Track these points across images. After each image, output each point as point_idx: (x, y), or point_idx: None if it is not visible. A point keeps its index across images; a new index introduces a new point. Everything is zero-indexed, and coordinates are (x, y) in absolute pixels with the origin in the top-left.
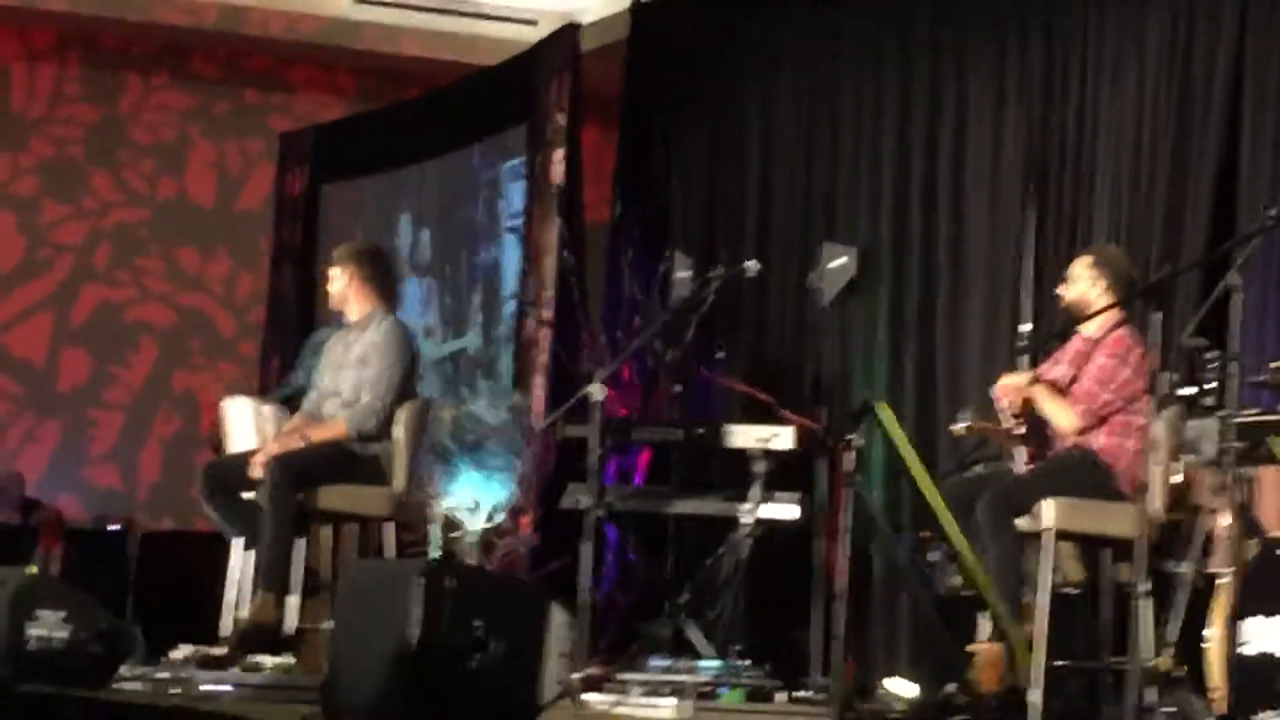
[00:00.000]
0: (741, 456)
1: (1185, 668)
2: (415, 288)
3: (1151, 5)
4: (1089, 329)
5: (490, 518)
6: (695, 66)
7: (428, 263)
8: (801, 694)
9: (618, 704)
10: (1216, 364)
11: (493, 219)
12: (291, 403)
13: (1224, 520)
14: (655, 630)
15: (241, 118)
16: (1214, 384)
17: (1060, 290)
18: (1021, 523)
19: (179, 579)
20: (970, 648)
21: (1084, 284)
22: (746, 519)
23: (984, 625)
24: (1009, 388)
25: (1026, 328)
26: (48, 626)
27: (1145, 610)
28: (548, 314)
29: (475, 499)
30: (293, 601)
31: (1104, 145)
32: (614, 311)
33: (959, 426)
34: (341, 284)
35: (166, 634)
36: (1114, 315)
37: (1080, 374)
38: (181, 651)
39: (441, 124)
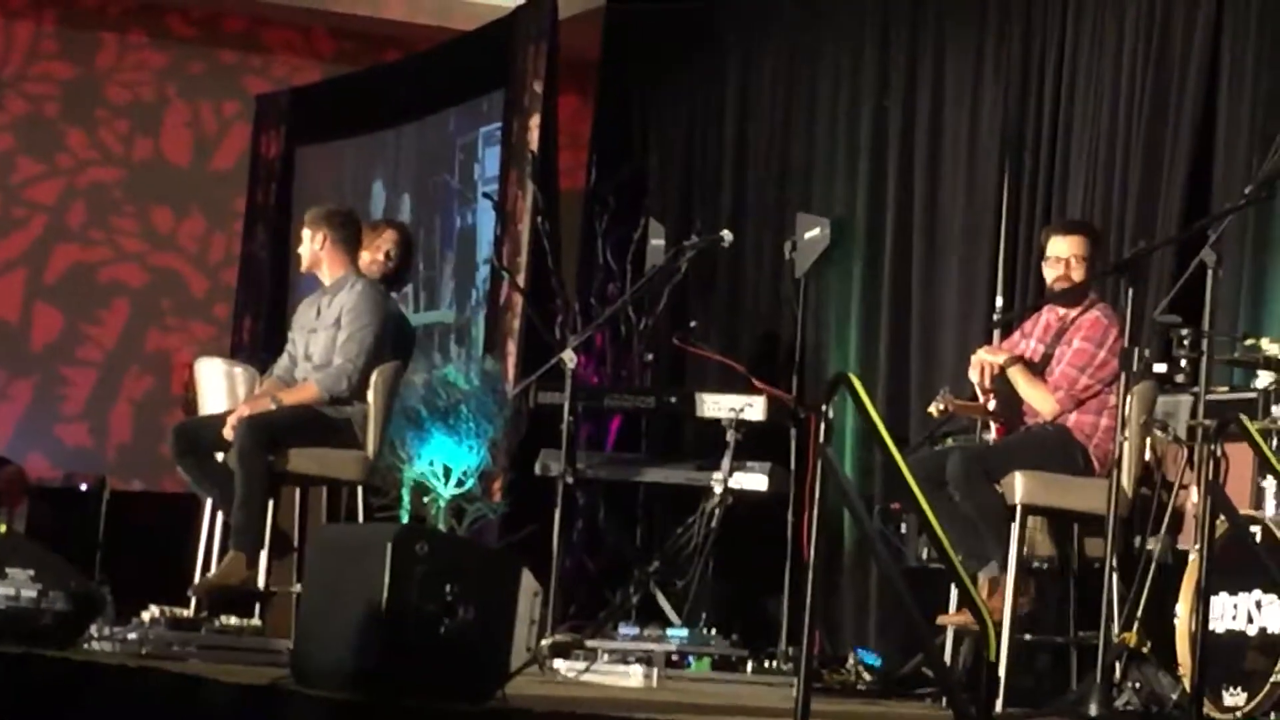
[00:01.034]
0: (713, 426)
1: (1151, 644)
2: None
3: None
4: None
5: (461, 483)
6: (673, 35)
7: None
8: (769, 664)
9: (586, 671)
10: (1189, 341)
11: (468, 184)
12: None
13: (1193, 497)
14: (624, 598)
15: (218, 78)
16: (1186, 361)
17: (1061, 272)
18: None
19: (148, 539)
20: (940, 620)
21: (1086, 263)
22: (717, 488)
23: (953, 597)
24: (984, 362)
25: (1000, 300)
26: (16, 585)
27: (1114, 586)
28: (521, 280)
29: (446, 464)
30: (261, 564)
31: (1080, 120)
32: (588, 279)
33: (935, 405)
34: (314, 247)
35: (135, 595)
36: (1087, 292)
37: (1056, 354)
38: (150, 612)
39: (418, 89)
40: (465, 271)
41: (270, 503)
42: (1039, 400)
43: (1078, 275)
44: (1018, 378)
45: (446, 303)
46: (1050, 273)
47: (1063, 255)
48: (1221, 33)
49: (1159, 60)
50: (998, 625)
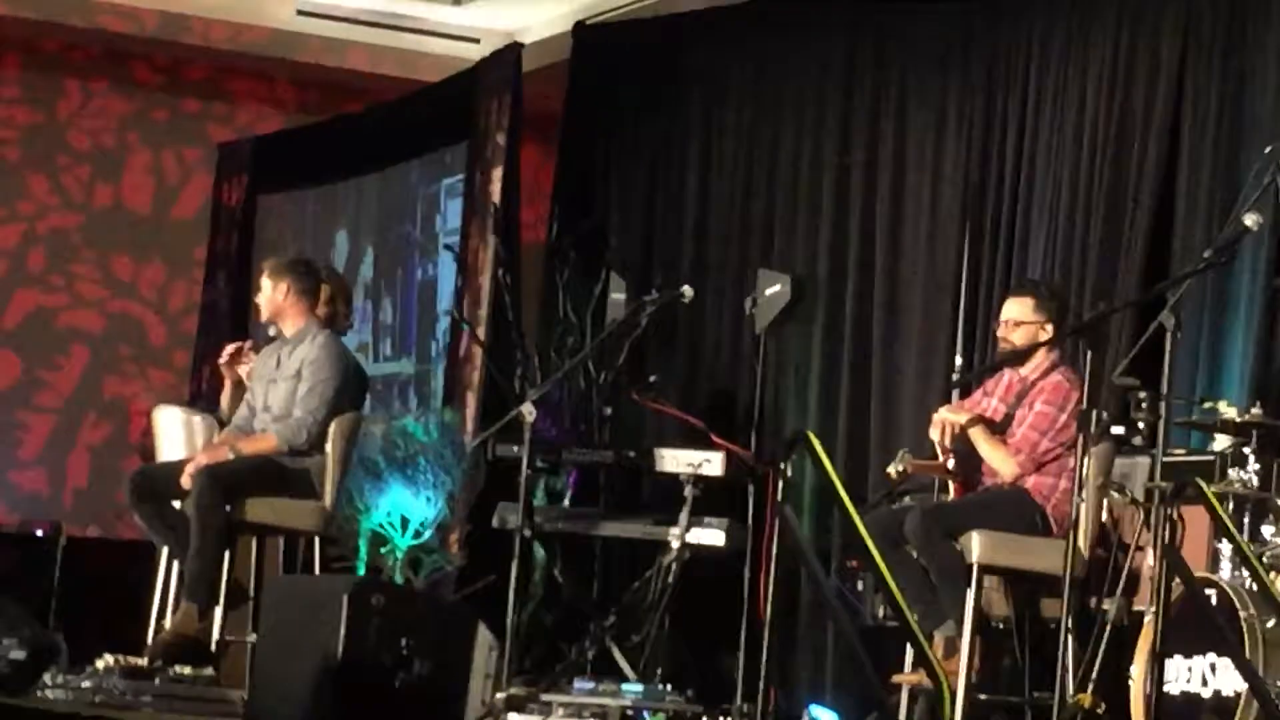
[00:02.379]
0: (671, 481)
1: (1105, 705)
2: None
3: (1092, 43)
4: (1024, 367)
5: (419, 535)
6: (636, 89)
7: (364, 278)
8: None
9: None
10: (1147, 403)
11: (429, 236)
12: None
13: (1149, 559)
14: (580, 652)
15: (180, 126)
16: (1144, 423)
17: (1004, 334)
18: None
19: (104, 587)
20: (895, 679)
21: (1032, 328)
22: (674, 543)
23: (909, 656)
24: (946, 421)
25: (960, 360)
26: None
27: (1069, 646)
28: (481, 332)
29: (404, 515)
30: (216, 613)
31: (1041, 181)
32: (548, 332)
33: (895, 467)
34: (275, 297)
35: (90, 643)
36: (1049, 353)
37: (1017, 416)
38: (104, 661)
39: (381, 139)
40: (425, 323)
41: (226, 553)
42: (999, 462)
43: (1017, 339)
44: (979, 438)
45: (407, 354)
46: (1000, 335)
47: (1006, 318)
48: (1183, 97)
49: (1120, 123)
50: (953, 685)
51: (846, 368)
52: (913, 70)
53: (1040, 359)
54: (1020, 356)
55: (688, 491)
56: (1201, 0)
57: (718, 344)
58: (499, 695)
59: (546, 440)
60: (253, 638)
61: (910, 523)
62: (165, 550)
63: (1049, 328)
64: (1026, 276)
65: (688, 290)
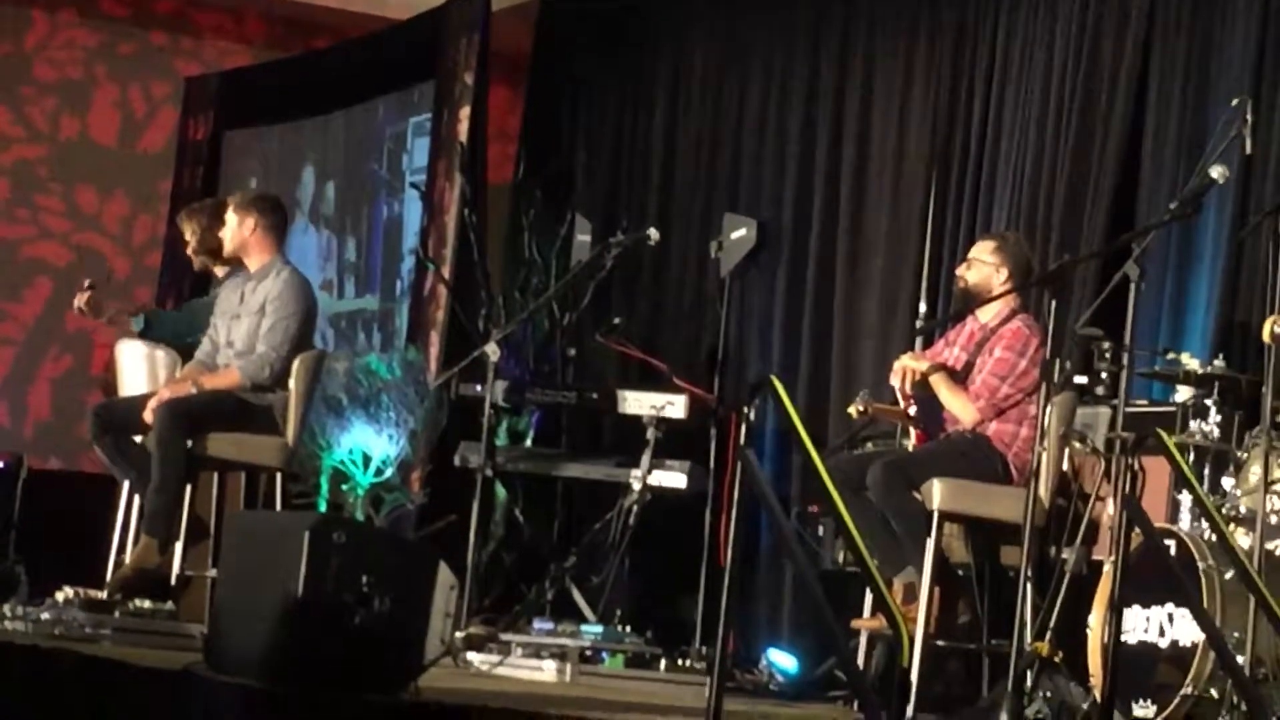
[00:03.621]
0: (633, 423)
1: (1063, 654)
2: (315, 240)
3: None
4: (985, 315)
5: (380, 472)
6: (605, 30)
7: (330, 215)
8: (683, 662)
9: (500, 665)
10: (1110, 354)
11: (396, 174)
12: (151, 331)
13: (1110, 509)
14: (539, 593)
15: (148, 60)
16: (1107, 374)
17: (960, 271)
18: None
19: (65, 519)
20: (854, 624)
21: (986, 269)
22: (636, 485)
23: (868, 601)
24: (906, 369)
25: (923, 307)
26: None
27: (1028, 595)
28: (446, 271)
29: (366, 453)
30: (177, 548)
31: (1008, 131)
32: (513, 272)
33: (855, 407)
34: (242, 232)
35: (50, 575)
36: (1009, 303)
37: (977, 363)
38: (64, 593)
39: (349, 76)
40: (390, 261)
41: (188, 487)
42: (960, 408)
43: (971, 276)
44: (940, 385)
45: (371, 291)
46: (957, 273)
47: (969, 257)
48: (1150, 50)
49: (1088, 75)
50: (912, 631)
51: (809, 313)
52: (881, 19)
53: (1000, 307)
54: (972, 299)
55: (650, 434)
56: None
57: (682, 287)
58: (458, 634)
59: (510, 380)
60: (213, 573)
61: (871, 475)
62: (126, 484)
63: (1003, 273)
64: (993, 228)
65: (653, 233)
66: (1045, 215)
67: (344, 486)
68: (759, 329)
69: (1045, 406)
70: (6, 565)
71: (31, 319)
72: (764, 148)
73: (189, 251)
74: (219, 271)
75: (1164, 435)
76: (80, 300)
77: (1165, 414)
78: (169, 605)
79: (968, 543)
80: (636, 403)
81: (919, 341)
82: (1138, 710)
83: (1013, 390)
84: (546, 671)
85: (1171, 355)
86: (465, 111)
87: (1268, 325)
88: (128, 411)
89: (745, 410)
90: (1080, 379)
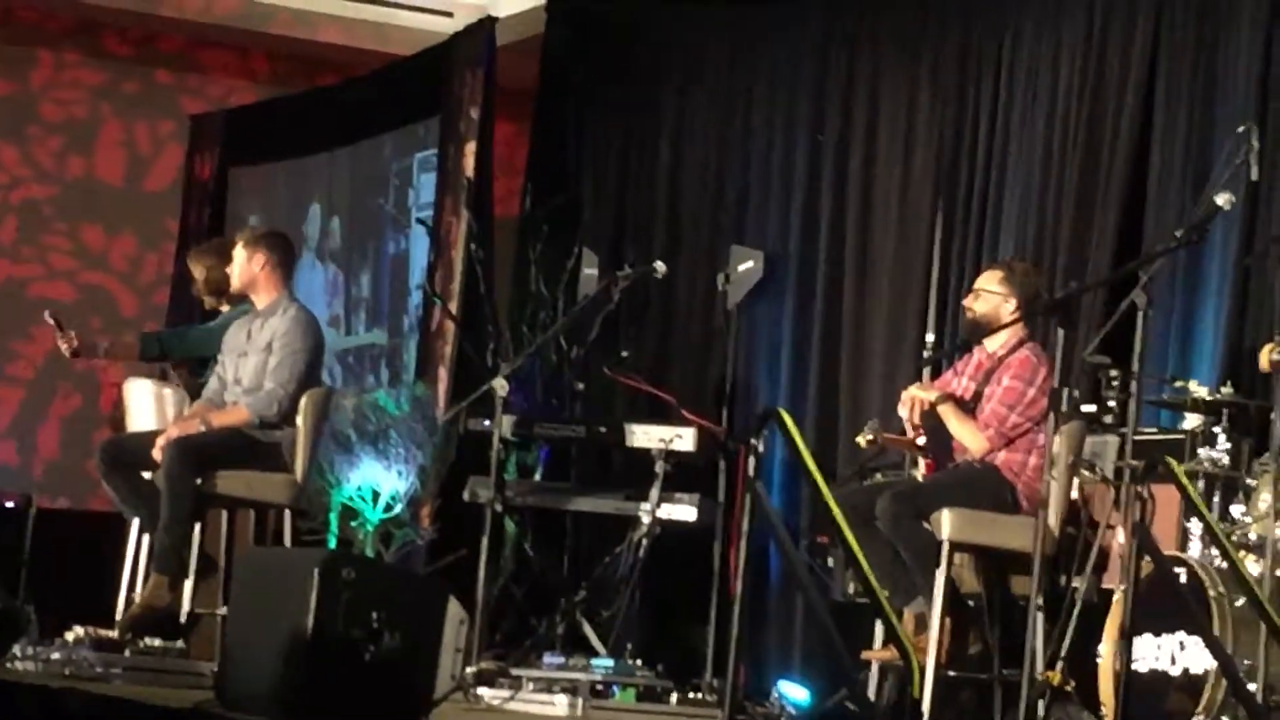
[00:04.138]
0: (642, 456)
1: (1074, 682)
2: (323, 276)
3: (1065, 21)
4: (993, 345)
5: (390, 508)
6: (610, 64)
7: (336, 251)
8: (694, 695)
9: (511, 699)
10: (1118, 382)
11: (402, 210)
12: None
13: (1120, 537)
14: (550, 626)
15: (153, 98)
16: (1115, 401)
17: (967, 302)
18: None
19: (74, 558)
20: (865, 655)
21: (994, 299)
22: (645, 518)
23: (879, 632)
24: (915, 399)
25: (931, 338)
26: None
27: (1039, 624)
28: (454, 306)
29: (375, 489)
30: (186, 586)
31: (1014, 159)
32: (520, 307)
33: (864, 436)
34: (251, 268)
35: (60, 614)
36: (1017, 332)
37: (986, 392)
38: (74, 633)
39: (354, 112)
40: (398, 296)
41: (197, 525)
42: (969, 438)
43: (978, 307)
44: (948, 415)
45: (379, 327)
46: (965, 304)
47: (975, 287)
48: (1155, 76)
49: (1093, 102)
50: (922, 662)
51: (817, 344)
52: (886, 45)
53: (1008, 337)
54: (980, 329)
55: (659, 467)
56: None
57: (690, 320)
58: (469, 669)
59: (518, 414)
60: (223, 610)
61: (880, 506)
62: (135, 522)
63: (1012, 303)
64: (1000, 256)
65: (660, 266)
66: (1052, 242)
67: (353, 523)
68: (767, 361)
69: (1054, 435)
70: (16, 605)
71: (40, 358)
72: (770, 179)
73: (197, 293)
74: (226, 310)
75: (1173, 463)
76: (66, 341)
77: (1174, 441)
78: (179, 644)
79: (978, 572)
80: (645, 436)
81: (927, 371)
82: None
83: (1021, 419)
84: (558, 706)
85: (1179, 383)
86: (471, 146)
87: (1265, 352)
88: (136, 449)
89: (753, 442)
90: (1089, 407)
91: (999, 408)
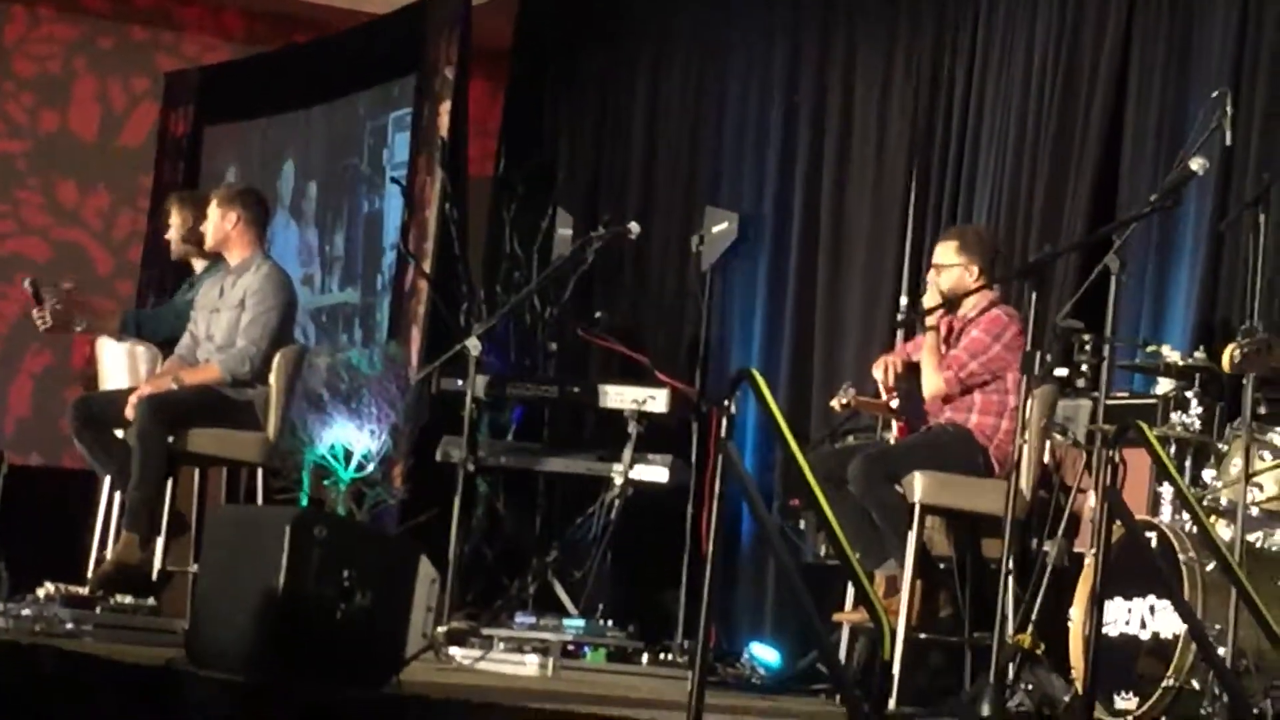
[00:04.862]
0: (615, 417)
1: (1045, 646)
2: (297, 235)
3: None
4: (963, 310)
5: (362, 467)
6: (586, 25)
7: (311, 210)
8: (665, 656)
9: (482, 659)
10: (1091, 346)
11: (376, 169)
12: (143, 332)
13: (1091, 501)
14: (521, 587)
15: (128, 55)
16: (1087, 366)
17: (930, 278)
18: None
19: (46, 515)
20: (836, 617)
21: (955, 271)
22: (618, 479)
23: (850, 594)
24: (889, 362)
25: (905, 300)
26: None
27: (1009, 587)
28: (428, 266)
29: (347, 448)
30: (158, 544)
31: (989, 124)
32: (494, 267)
33: (838, 400)
34: (225, 225)
35: (31, 571)
36: (987, 296)
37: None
38: (45, 589)
39: (329, 71)
40: (371, 255)
41: (169, 483)
42: (929, 374)
43: (943, 283)
44: (928, 346)
45: (352, 286)
46: (929, 279)
47: (933, 263)
48: (1130, 43)
49: (1068, 67)
50: (893, 624)
51: (791, 306)
52: (861, 11)
53: (978, 300)
54: (950, 303)
55: (632, 428)
56: None
57: (664, 281)
58: (440, 629)
59: (491, 374)
60: (194, 568)
61: (852, 469)
62: (107, 479)
63: (974, 269)
64: (974, 220)
65: (634, 227)
66: (1026, 207)
67: (325, 482)
68: (741, 322)
69: (1026, 399)
70: None
71: (12, 315)
72: (745, 141)
73: (171, 238)
74: (197, 265)
75: (1145, 427)
76: (40, 317)
77: (1146, 406)
78: (150, 601)
79: (949, 535)
80: (618, 397)
81: (900, 334)
82: (1120, 702)
83: (979, 369)
84: (529, 666)
85: (1152, 347)
86: (446, 106)
87: (1227, 353)
88: (108, 406)
89: (726, 404)
90: (1061, 371)
91: (960, 354)
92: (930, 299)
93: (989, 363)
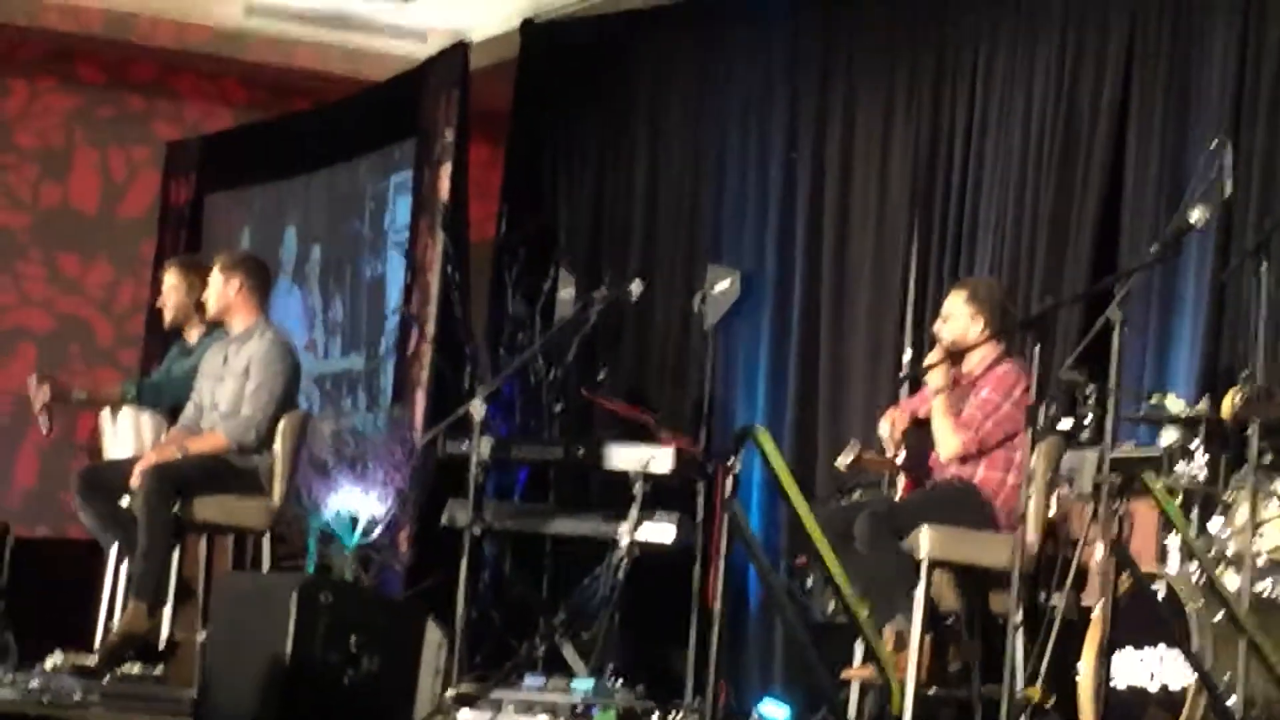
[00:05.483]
0: (621, 477)
1: (1054, 698)
2: (299, 300)
3: (1039, 38)
4: (967, 365)
5: (367, 533)
6: (584, 86)
7: (313, 275)
8: (674, 715)
9: None
10: (1094, 398)
11: (378, 233)
12: (143, 401)
13: (1098, 553)
14: (530, 648)
15: (127, 125)
16: (1091, 417)
17: (936, 328)
18: None
19: (53, 586)
20: (845, 674)
21: (962, 321)
22: (624, 540)
23: (859, 652)
24: (895, 417)
25: (909, 354)
26: None
27: (1018, 641)
28: (431, 329)
29: (353, 514)
30: (165, 612)
31: (989, 175)
32: (497, 329)
33: (844, 459)
34: (227, 292)
35: (39, 642)
36: (994, 349)
37: (966, 405)
38: (53, 660)
39: (329, 137)
40: (374, 320)
41: (175, 551)
42: (947, 434)
43: (946, 334)
44: (938, 408)
45: (356, 351)
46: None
47: (943, 312)
48: (1129, 89)
49: (1067, 118)
50: (902, 679)
51: (795, 363)
52: (860, 63)
53: (986, 353)
54: (955, 355)
55: (637, 488)
56: None
57: (667, 339)
58: (449, 692)
59: (496, 437)
60: (202, 636)
61: (859, 527)
62: (114, 549)
63: (979, 321)
64: (975, 273)
65: (636, 286)
66: (1028, 257)
67: (331, 548)
68: (745, 379)
69: (1031, 452)
70: None
71: (16, 387)
72: (745, 197)
73: (165, 304)
74: (192, 333)
75: (1150, 479)
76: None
77: (1151, 457)
78: (158, 669)
79: (957, 590)
80: (623, 457)
81: (904, 389)
82: None
83: (994, 429)
84: None
85: (1156, 398)
86: (446, 169)
87: (1228, 400)
88: (114, 474)
89: (730, 462)
90: (1065, 423)
91: (975, 414)
92: (933, 356)
93: (1002, 422)
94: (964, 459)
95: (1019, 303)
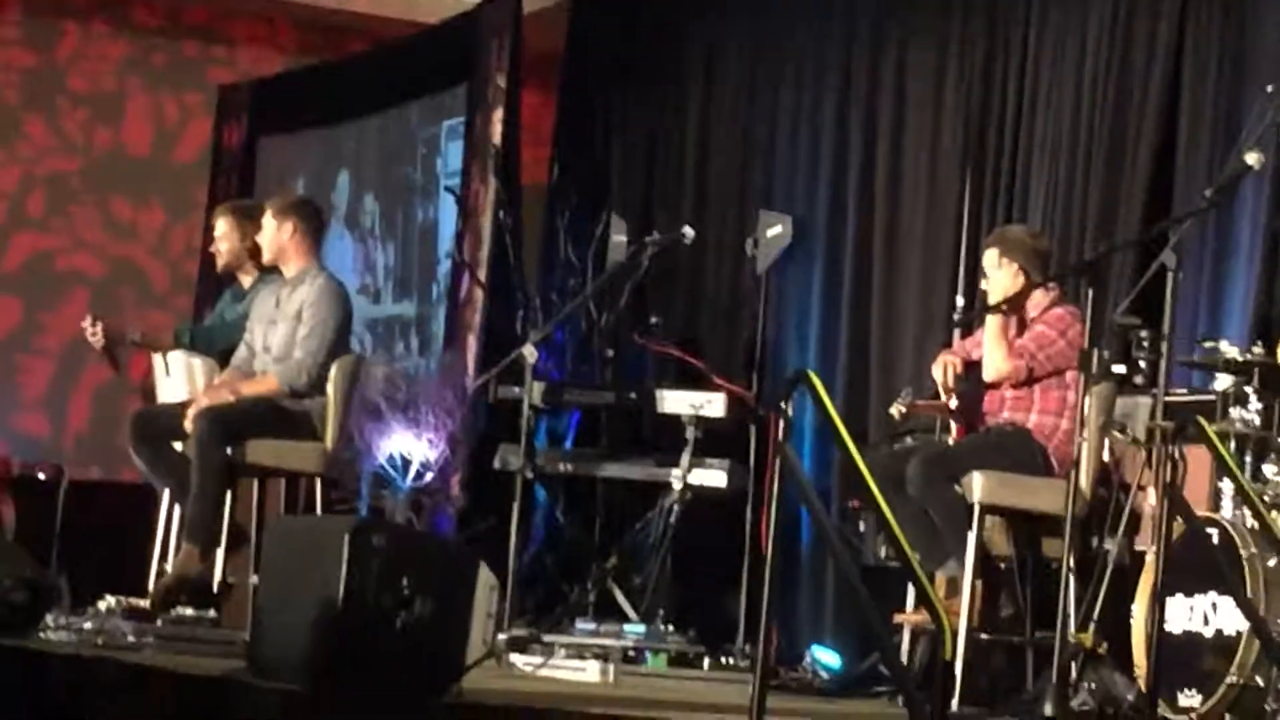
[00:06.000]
0: (673, 422)
1: (1107, 645)
2: (351, 245)
3: None
4: (1027, 312)
5: (420, 476)
6: (637, 30)
7: (365, 220)
8: (726, 660)
9: (542, 666)
10: (1148, 343)
11: (430, 178)
12: (195, 346)
13: (1151, 499)
14: (581, 593)
15: (180, 69)
16: (1145, 362)
17: (984, 286)
18: None
19: (106, 529)
20: (897, 618)
21: (1003, 277)
22: (676, 484)
23: (911, 595)
24: (948, 361)
25: (960, 300)
26: None
27: (1071, 586)
28: (482, 274)
29: (405, 457)
30: (218, 555)
31: (1042, 122)
32: (549, 274)
33: (897, 407)
34: (280, 236)
35: (92, 584)
36: (1049, 294)
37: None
38: (106, 602)
39: (381, 81)
40: (426, 265)
41: (228, 494)
42: (998, 355)
43: (993, 292)
44: (992, 326)
45: (408, 296)
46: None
47: (982, 270)
48: (1184, 39)
49: (1121, 64)
50: (954, 625)
51: (847, 308)
52: (913, 11)
53: (1040, 298)
54: (1010, 307)
55: (689, 433)
56: None
57: (719, 285)
58: (500, 636)
59: (548, 381)
60: (254, 579)
61: (911, 470)
62: (166, 493)
63: (1014, 269)
64: (1027, 220)
65: (688, 231)
66: (1081, 204)
67: (384, 491)
68: (796, 325)
69: (1084, 396)
70: (48, 576)
71: (69, 330)
72: (798, 144)
73: (219, 249)
74: (245, 278)
75: (1204, 423)
76: (94, 335)
77: (1205, 402)
78: (211, 612)
79: (1009, 535)
80: (675, 402)
81: (957, 334)
82: (1183, 700)
83: (1045, 361)
84: (590, 672)
85: (1210, 343)
86: (498, 114)
87: None
88: (167, 419)
89: (782, 406)
90: (1119, 368)
91: (1029, 343)
92: (995, 296)
93: (1054, 357)
94: (1013, 384)
95: (1072, 249)
